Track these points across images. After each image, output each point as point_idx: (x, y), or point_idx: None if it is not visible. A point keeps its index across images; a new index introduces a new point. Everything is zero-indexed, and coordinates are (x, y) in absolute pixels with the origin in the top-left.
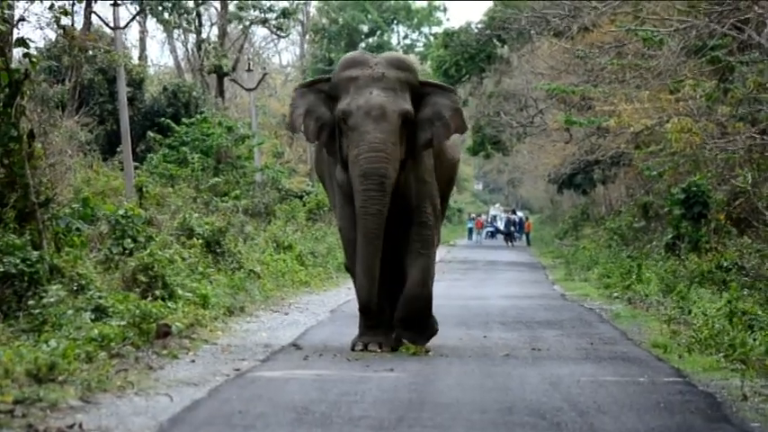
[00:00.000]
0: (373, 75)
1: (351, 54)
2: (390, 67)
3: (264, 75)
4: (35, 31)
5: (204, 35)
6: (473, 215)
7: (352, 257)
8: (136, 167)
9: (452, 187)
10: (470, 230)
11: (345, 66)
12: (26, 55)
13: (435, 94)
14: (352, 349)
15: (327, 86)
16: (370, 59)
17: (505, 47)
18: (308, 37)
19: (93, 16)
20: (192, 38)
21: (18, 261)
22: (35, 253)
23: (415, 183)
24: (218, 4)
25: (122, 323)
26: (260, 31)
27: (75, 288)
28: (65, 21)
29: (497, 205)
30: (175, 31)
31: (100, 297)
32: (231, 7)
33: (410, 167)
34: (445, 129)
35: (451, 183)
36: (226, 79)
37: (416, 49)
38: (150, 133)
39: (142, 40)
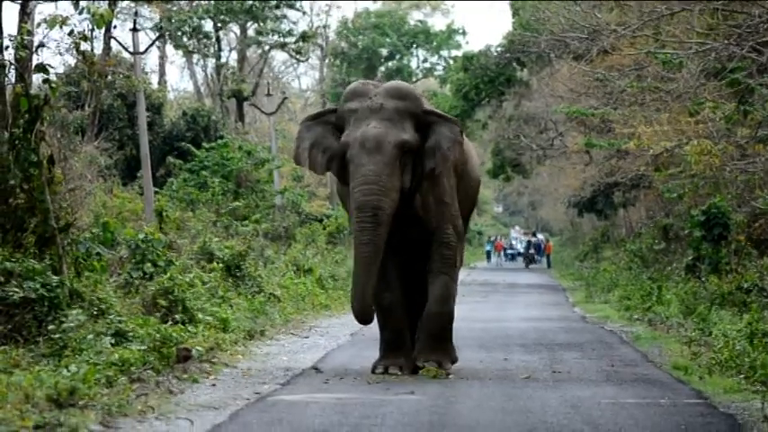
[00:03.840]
0: (371, 106)
1: (353, 85)
2: (389, 98)
3: (284, 99)
4: (54, 56)
5: (223, 60)
6: (492, 237)
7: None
8: (156, 192)
9: (474, 207)
10: (489, 253)
11: (347, 97)
12: (46, 81)
13: (438, 124)
14: (373, 372)
15: (334, 117)
16: (370, 90)
17: (525, 70)
18: (327, 61)
19: (112, 42)
20: (211, 62)
21: (38, 286)
22: (55, 278)
23: (435, 205)
24: (237, 29)
25: (143, 347)
26: (279, 56)
27: (95, 312)
28: (84, 46)
29: (517, 228)
30: (195, 55)
31: (120, 321)
32: (250, 32)
33: (427, 190)
34: (443, 159)
35: (474, 203)
36: (245, 104)
37: (436, 73)
38: (170, 158)
39: (161, 65)
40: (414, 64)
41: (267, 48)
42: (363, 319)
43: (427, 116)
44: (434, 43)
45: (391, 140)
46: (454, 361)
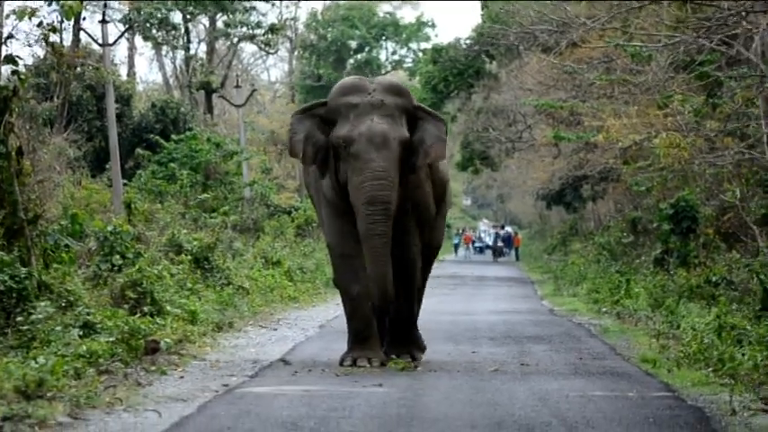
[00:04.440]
0: (372, 102)
1: (348, 79)
2: (388, 94)
3: (253, 91)
4: (23, 48)
5: (192, 52)
6: (460, 230)
7: (340, 272)
8: (124, 184)
9: (446, 205)
10: (456, 246)
11: (343, 92)
12: (14, 72)
13: (426, 120)
14: (341, 364)
15: (323, 111)
16: (367, 85)
17: (494, 62)
18: (296, 53)
19: (81, 33)
20: (180, 54)
21: (6, 278)
22: (23, 269)
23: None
24: (206, 21)
25: (111, 339)
26: (248, 48)
27: (63, 304)
28: (53, 38)
29: (485, 220)
30: (163, 47)
31: (88, 313)
32: (219, 24)
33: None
34: (425, 155)
35: (442, 200)
36: (214, 95)
37: (405, 65)
38: (139, 150)
39: (130, 57)
40: (383, 56)
41: (236, 40)
42: (388, 302)
43: (417, 111)
44: (403, 36)
45: (396, 137)
46: (423, 349)
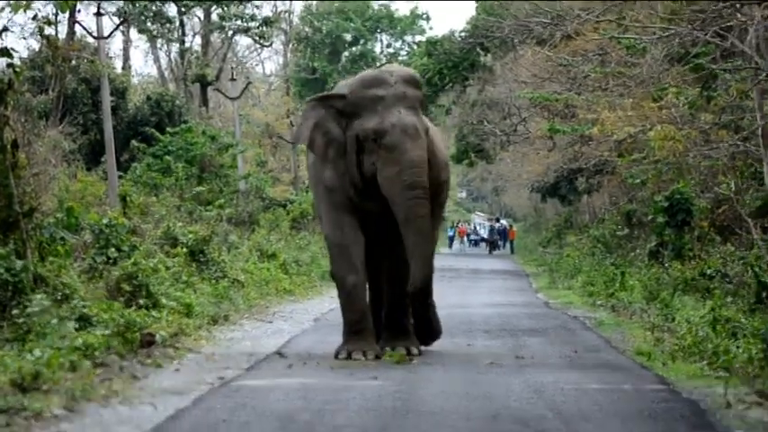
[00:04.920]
0: (397, 94)
1: (369, 73)
2: (409, 86)
3: (248, 84)
4: (19, 40)
5: (187, 44)
6: (455, 223)
7: (336, 263)
8: (120, 177)
9: (445, 193)
10: (451, 239)
11: (367, 84)
12: (10, 65)
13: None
14: (336, 357)
15: (342, 104)
16: (388, 78)
17: (488, 55)
18: (291, 46)
19: (76, 26)
20: (175, 47)
21: (2, 270)
22: (19, 262)
23: None
24: (200, 14)
25: (106, 332)
26: (243, 41)
27: (59, 297)
28: (48, 31)
29: (478, 213)
30: (158, 40)
31: (84, 306)
32: (214, 17)
33: None
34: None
35: (441, 187)
36: (209, 88)
37: (400, 58)
38: (134, 143)
39: (125, 50)
40: (377, 49)
41: (231, 32)
42: (428, 284)
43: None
44: (398, 28)
45: (422, 127)
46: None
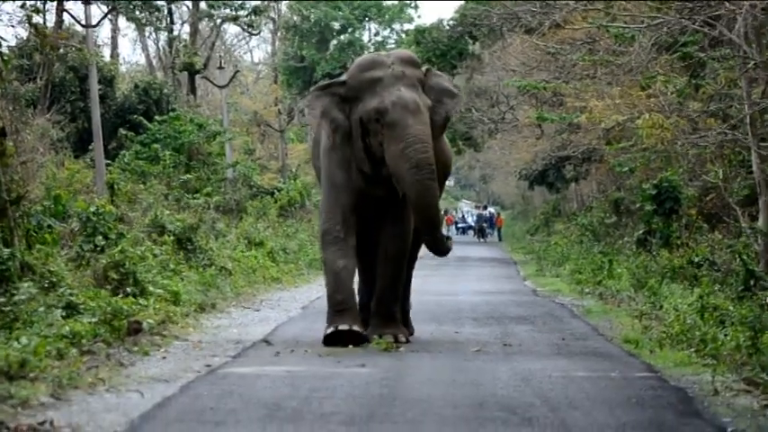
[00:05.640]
0: (395, 74)
1: (366, 57)
2: (407, 66)
3: (236, 72)
4: (6, 29)
5: (176, 33)
6: (444, 211)
7: (327, 246)
8: (107, 165)
9: (443, 188)
10: None
11: (364, 68)
12: None
13: (430, 77)
14: (324, 340)
15: (343, 89)
16: (385, 60)
17: (477, 44)
18: (279, 34)
19: (64, 14)
20: (163, 35)
21: None
22: (6, 250)
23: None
24: (189, 2)
25: (93, 320)
26: (231, 29)
27: (46, 285)
28: (36, 19)
29: (465, 200)
30: (147, 28)
31: (71, 294)
32: (202, 5)
33: None
34: (456, 101)
35: (445, 179)
36: (197, 77)
37: (388, 46)
38: (122, 131)
39: (114, 38)
40: (366, 37)
41: (219, 21)
42: (438, 230)
43: (425, 79)
44: (386, 16)
45: (423, 104)
46: (411, 332)
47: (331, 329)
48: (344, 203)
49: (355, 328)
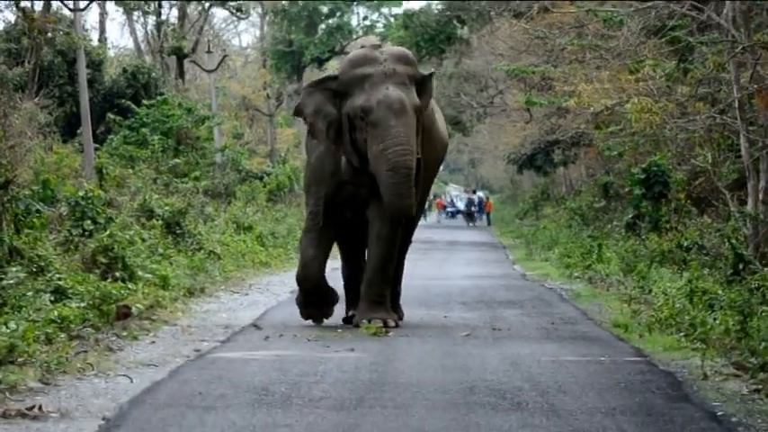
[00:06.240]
0: (385, 71)
1: (358, 52)
2: (399, 63)
3: (224, 56)
4: None
5: (164, 17)
6: (432, 195)
7: (305, 235)
8: (96, 149)
9: (438, 170)
10: (424, 211)
11: (356, 64)
12: None
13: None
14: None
15: (335, 84)
16: (378, 56)
17: (465, 28)
18: (267, 18)
19: None
20: (151, 20)
21: None
22: None
23: None
24: None
25: (82, 305)
26: (219, 13)
27: (34, 270)
28: (24, 3)
29: (452, 185)
30: (135, 12)
31: (59, 279)
32: None
33: None
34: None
35: (438, 165)
36: (186, 61)
37: (376, 30)
38: (110, 115)
39: (102, 22)
40: (354, 21)
41: (207, 5)
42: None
43: (423, 80)
44: (375, 0)
45: (411, 103)
46: (400, 317)
47: (305, 316)
48: (329, 193)
49: (317, 322)
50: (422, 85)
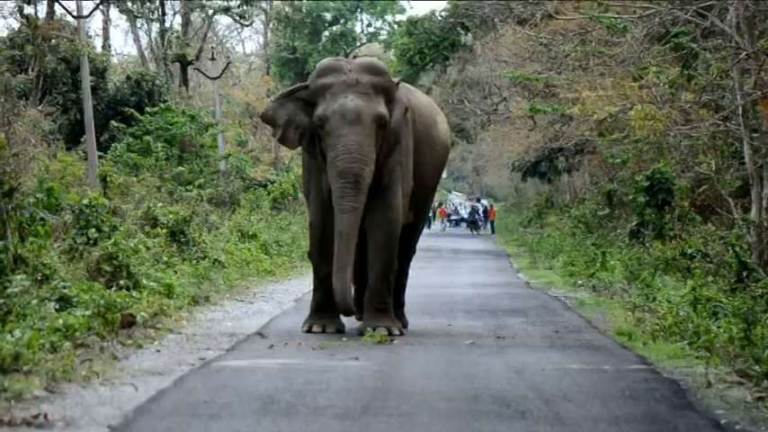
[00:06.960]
0: (347, 81)
1: (326, 61)
2: (364, 73)
3: (228, 64)
4: None
5: (167, 24)
6: (435, 203)
7: (314, 250)
8: (100, 157)
9: (441, 174)
10: (429, 219)
11: (321, 73)
12: None
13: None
14: (302, 329)
15: (305, 94)
16: (344, 66)
17: (469, 35)
18: (271, 25)
19: (56, 5)
20: (155, 27)
21: None
22: None
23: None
24: None
25: (87, 313)
26: (223, 20)
27: (39, 278)
28: (28, 10)
29: (455, 193)
30: (139, 20)
31: (64, 287)
32: None
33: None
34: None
35: (441, 169)
36: (189, 68)
37: (380, 37)
38: (114, 122)
39: (105, 30)
40: (358, 28)
41: (211, 12)
42: (346, 311)
43: (397, 89)
44: (378, 7)
45: (369, 113)
46: (405, 325)
47: (306, 327)
48: (325, 199)
49: (329, 330)
50: (390, 94)
